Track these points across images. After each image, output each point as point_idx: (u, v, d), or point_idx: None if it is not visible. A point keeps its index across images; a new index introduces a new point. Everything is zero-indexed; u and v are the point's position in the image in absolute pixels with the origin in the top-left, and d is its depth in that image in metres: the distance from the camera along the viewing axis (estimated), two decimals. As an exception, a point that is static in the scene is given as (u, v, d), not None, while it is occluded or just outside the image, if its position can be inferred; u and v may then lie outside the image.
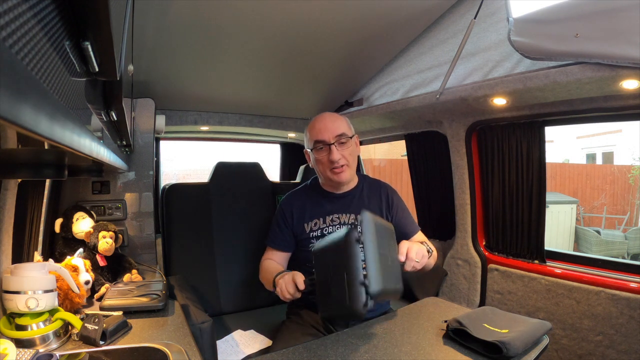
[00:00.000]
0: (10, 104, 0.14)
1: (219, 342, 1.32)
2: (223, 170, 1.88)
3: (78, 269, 1.04)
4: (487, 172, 1.69)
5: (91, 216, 1.36)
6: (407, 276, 1.71)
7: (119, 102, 0.60)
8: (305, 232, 1.29)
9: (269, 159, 2.99)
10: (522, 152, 1.54)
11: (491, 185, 1.69)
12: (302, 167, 2.24)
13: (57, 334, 0.79)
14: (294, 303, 1.24)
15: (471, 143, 1.70)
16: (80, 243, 1.26)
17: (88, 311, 0.95)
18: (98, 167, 1.18)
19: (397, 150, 7.27)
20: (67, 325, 0.83)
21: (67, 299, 0.92)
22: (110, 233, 1.24)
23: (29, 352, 0.66)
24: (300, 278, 0.99)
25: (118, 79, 0.40)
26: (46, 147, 0.69)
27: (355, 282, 0.78)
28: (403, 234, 1.27)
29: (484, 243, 1.77)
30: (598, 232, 5.44)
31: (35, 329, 0.77)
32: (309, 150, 1.31)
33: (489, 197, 1.70)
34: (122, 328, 0.86)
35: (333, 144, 1.22)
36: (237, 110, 2.08)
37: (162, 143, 2.19)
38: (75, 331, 0.82)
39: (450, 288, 1.84)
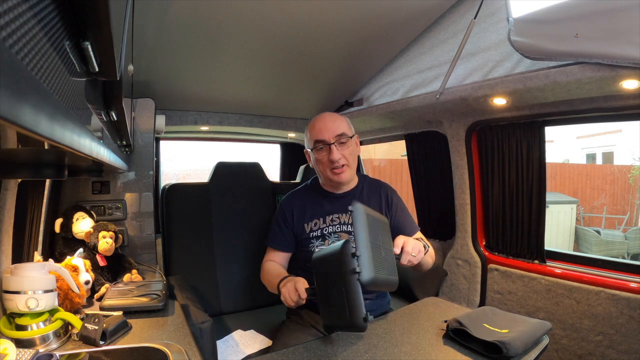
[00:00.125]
0: (10, 104, 0.14)
1: (219, 342, 1.32)
2: (223, 170, 1.88)
3: (78, 269, 1.04)
4: (487, 172, 1.69)
5: (91, 216, 1.36)
6: (407, 276, 1.73)
7: (119, 102, 0.60)
8: (305, 232, 1.29)
9: (269, 159, 2.99)
10: (522, 152, 1.54)
11: (491, 185, 1.69)
12: (302, 167, 2.24)
13: (57, 334, 0.80)
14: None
15: (471, 143, 1.70)
16: (80, 243, 1.26)
17: (88, 311, 0.95)
18: (98, 167, 1.18)
19: (397, 150, 7.27)
20: (67, 325, 0.83)
21: (67, 299, 0.92)
22: (110, 233, 1.24)
23: (29, 352, 0.66)
24: (302, 286, 0.99)
25: (118, 79, 0.40)
26: (46, 147, 0.69)
27: (354, 297, 0.78)
28: (402, 234, 1.27)
29: (484, 243, 1.77)
30: (598, 232, 5.43)
31: (35, 329, 0.77)
32: (309, 150, 1.31)
33: (489, 197, 1.70)
34: (122, 328, 0.86)
35: (333, 143, 1.22)
36: (237, 110, 2.08)
37: (162, 143, 2.19)
38: (75, 331, 0.82)
39: (450, 288, 1.84)
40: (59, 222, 1.28)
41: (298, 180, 2.22)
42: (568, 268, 1.46)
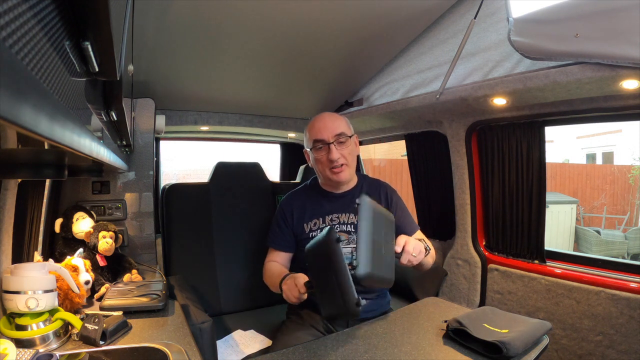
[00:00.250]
0: (10, 104, 0.14)
1: (219, 342, 1.32)
2: (223, 170, 1.88)
3: (78, 269, 1.04)
4: (487, 172, 1.69)
5: (91, 216, 1.36)
6: (407, 276, 1.73)
7: (119, 102, 0.60)
8: (305, 232, 1.29)
9: (269, 159, 2.99)
10: (522, 152, 1.54)
11: (491, 185, 1.69)
12: (302, 167, 2.24)
13: (57, 334, 0.80)
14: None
15: (471, 143, 1.70)
16: (80, 243, 1.26)
17: (88, 311, 0.95)
18: (98, 167, 1.18)
19: (397, 150, 7.27)
20: (67, 325, 0.83)
21: (67, 299, 0.92)
22: (110, 233, 1.24)
23: (29, 352, 0.66)
24: (301, 281, 1.00)
25: (118, 79, 0.40)
26: (46, 147, 0.69)
27: (344, 281, 0.78)
28: (402, 233, 1.27)
29: (484, 243, 1.77)
30: (598, 232, 5.44)
31: (35, 329, 0.77)
32: (308, 149, 1.31)
33: (489, 197, 1.70)
34: (122, 328, 0.86)
35: (332, 143, 1.22)
36: (237, 110, 2.08)
37: (162, 143, 2.19)
38: (75, 331, 0.82)
39: (450, 288, 1.83)
40: (59, 222, 1.28)
41: (298, 180, 2.22)
42: (568, 268, 1.46)
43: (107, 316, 0.85)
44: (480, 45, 1.36)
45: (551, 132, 9.43)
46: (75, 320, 0.81)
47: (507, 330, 0.89)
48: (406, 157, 2.21)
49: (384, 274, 0.85)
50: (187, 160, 7.65)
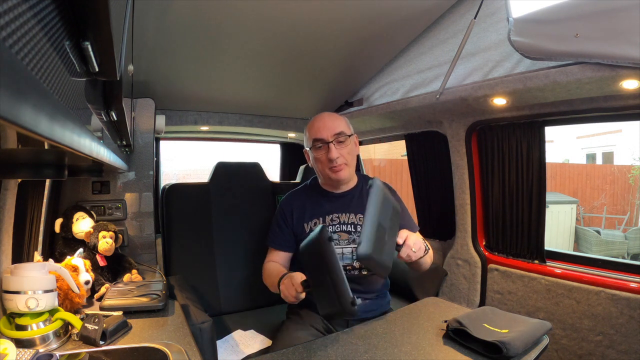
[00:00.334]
0: (10, 104, 0.14)
1: (219, 342, 1.32)
2: (223, 170, 1.88)
3: (78, 269, 1.04)
4: (487, 172, 1.69)
5: (91, 216, 1.36)
6: (407, 276, 1.73)
7: (119, 102, 0.60)
8: (305, 232, 1.29)
9: (269, 159, 2.99)
10: (522, 152, 1.54)
11: (491, 185, 1.69)
12: (302, 167, 2.24)
13: (57, 334, 0.80)
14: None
15: (471, 143, 1.70)
16: (80, 243, 1.26)
17: (88, 311, 0.95)
18: (98, 167, 1.18)
19: (397, 150, 7.27)
20: (67, 325, 0.83)
21: (67, 299, 0.92)
22: (110, 233, 1.24)
23: (29, 352, 0.66)
24: (298, 279, 0.99)
25: (118, 79, 0.40)
26: (46, 147, 0.69)
27: (338, 280, 0.79)
28: None
29: (484, 243, 1.77)
30: (598, 232, 5.44)
31: (35, 329, 0.77)
32: (308, 149, 1.31)
33: (489, 197, 1.70)
34: (122, 328, 0.86)
35: (331, 142, 1.22)
36: (237, 110, 2.08)
37: (162, 143, 2.19)
38: (75, 331, 0.82)
39: (450, 288, 1.83)
40: (59, 222, 1.28)
41: (298, 180, 2.22)
42: (568, 268, 1.46)
43: (107, 316, 0.85)
44: (480, 45, 1.36)
45: (551, 132, 9.43)
46: (75, 320, 0.81)
47: (507, 330, 0.89)
48: (406, 157, 2.21)
49: (383, 260, 0.85)
50: (187, 160, 7.66)
